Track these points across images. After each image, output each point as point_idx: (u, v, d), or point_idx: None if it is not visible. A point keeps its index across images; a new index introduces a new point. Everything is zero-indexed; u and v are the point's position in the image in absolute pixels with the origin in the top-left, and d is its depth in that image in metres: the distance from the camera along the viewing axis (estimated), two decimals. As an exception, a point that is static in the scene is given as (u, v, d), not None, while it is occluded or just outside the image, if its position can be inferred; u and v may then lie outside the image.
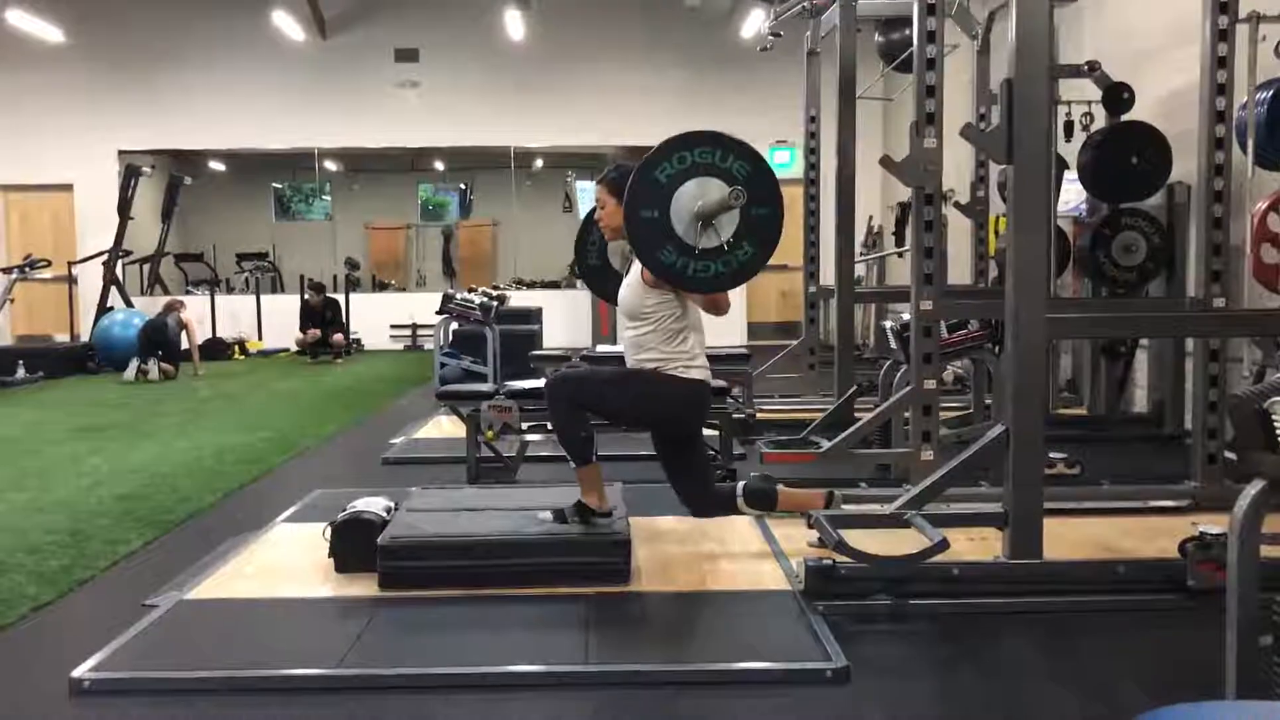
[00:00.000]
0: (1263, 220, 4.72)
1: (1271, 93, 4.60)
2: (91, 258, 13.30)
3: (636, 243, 3.54)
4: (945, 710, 2.66)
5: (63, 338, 13.59)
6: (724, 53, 13.95)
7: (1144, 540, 3.83)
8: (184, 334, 11.20)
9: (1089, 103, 6.67)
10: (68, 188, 14.67)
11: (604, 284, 4.55)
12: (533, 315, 10.40)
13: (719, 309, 3.76)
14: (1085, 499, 4.43)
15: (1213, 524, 3.23)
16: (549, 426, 6.23)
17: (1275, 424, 2.35)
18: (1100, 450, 5.67)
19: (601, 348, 10.23)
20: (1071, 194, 7.12)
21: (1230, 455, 4.30)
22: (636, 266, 3.76)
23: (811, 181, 7.85)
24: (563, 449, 3.73)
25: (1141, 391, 6.89)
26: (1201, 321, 4.42)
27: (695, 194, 3.48)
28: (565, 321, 13.54)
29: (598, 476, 3.70)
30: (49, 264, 12.64)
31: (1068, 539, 3.77)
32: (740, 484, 3.92)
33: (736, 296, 3.76)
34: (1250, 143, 4.73)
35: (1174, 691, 2.47)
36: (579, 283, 14.74)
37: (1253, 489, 2.35)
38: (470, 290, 8.62)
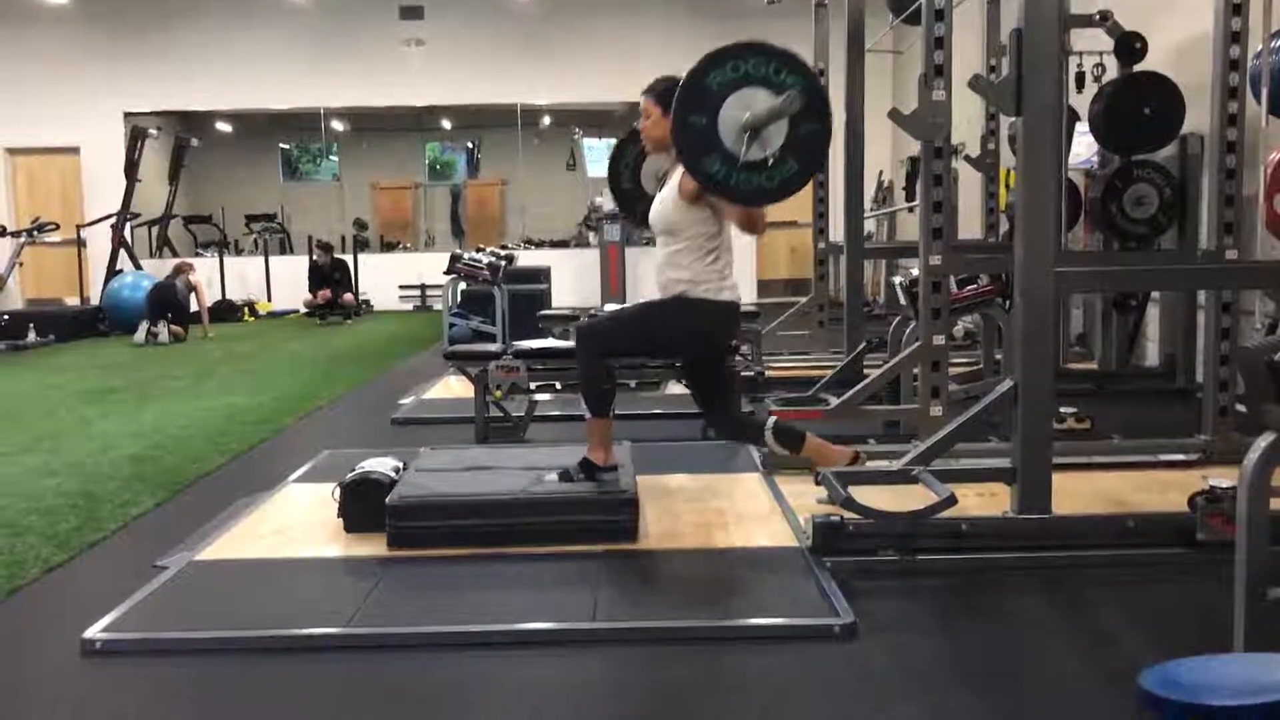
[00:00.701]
0: (1277, 171, 4.66)
1: (1287, 41, 4.53)
2: (99, 220, 13.31)
3: (684, 150, 3.48)
4: (952, 665, 2.66)
5: (72, 301, 13.63)
6: (732, 6, 13.80)
7: (1154, 494, 3.83)
8: (193, 296, 11.23)
9: (1101, 53, 6.58)
10: (74, 150, 14.66)
11: (636, 207, 4.54)
12: (541, 274, 10.39)
13: (754, 227, 3.73)
14: (1095, 453, 4.41)
15: (1223, 477, 3.22)
16: (556, 385, 6.27)
17: (1286, 376, 2.33)
18: (1111, 404, 5.66)
19: (610, 306, 10.22)
20: (1083, 146, 7.04)
21: (1241, 408, 4.28)
22: (672, 181, 3.74)
23: (820, 136, 7.77)
24: (582, 399, 3.76)
25: (1153, 345, 6.86)
26: (1213, 274, 4.38)
27: (744, 104, 3.42)
28: (574, 281, 13.52)
29: (608, 432, 3.73)
30: (57, 227, 12.65)
31: (1077, 494, 3.76)
32: (770, 419, 3.94)
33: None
34: (1265, 92, 4.66)
35: (1182, 644, 2.48)
36: (593, 236, 14.71)
37: (1263, 442, 2.34)
38: (478, 250, 8.60)
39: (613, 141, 16.77)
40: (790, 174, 3.46)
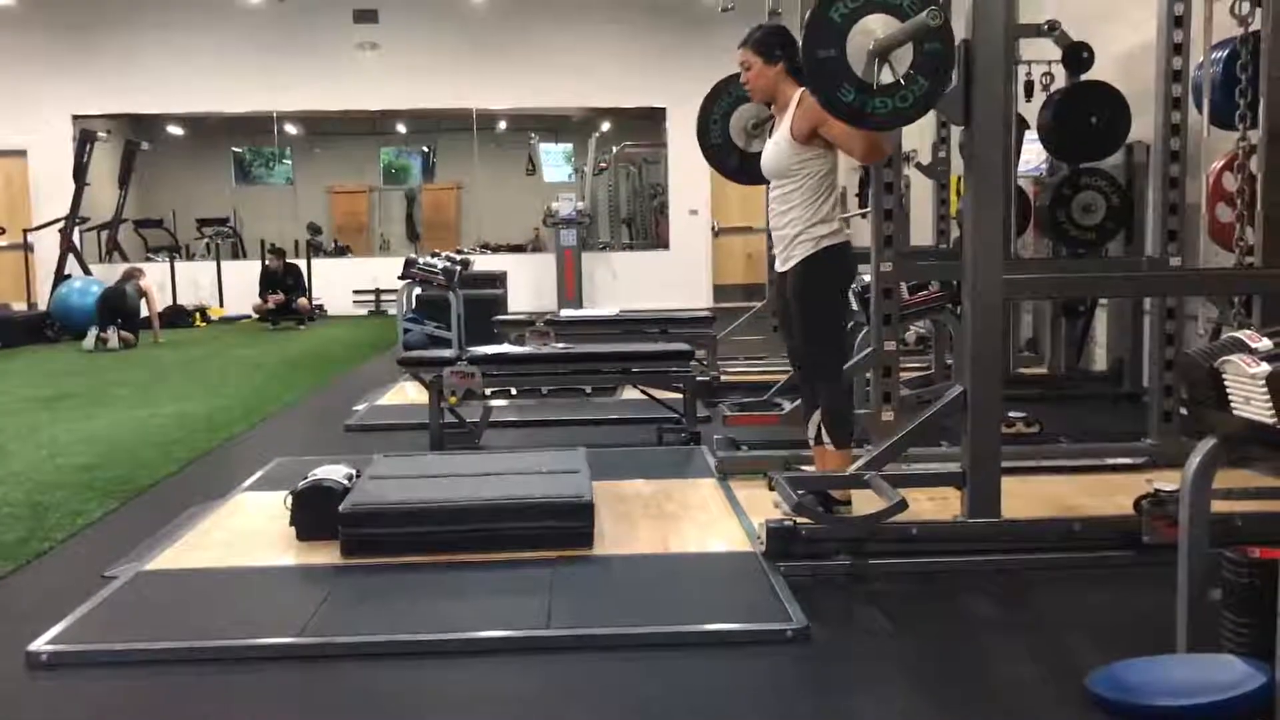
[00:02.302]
0: (1218, 180, 4.76)
1: (1227, 52, 4.62)
2: (47, 225, 13.09)
3: (817, 84, 3.47)
4: (904, 667, 2.69)
5: (20, 306, 13.39)
6: (686, 13, 13.85)
7: (1101, 498, 3.88)
8: (144, 301, 11.08)
9: (1049, 62, 6.67)
10: (21, 153, 14.42)
11: (727, 161, 4.56)
12: (497, 279, 10.36)
13: (881, 152, 3.80)
14: (1044, 457, 4.47)
15: (1168, 481, 3.28)
16: (512, 391, 6.24)
17: (1225, 382, 2.38)
18: (1060, 409, 5.74)
19: (566, 312, 10.21)
20: (1032, 154, 7.14)
21: (1185, 413, 4.36)
22: (784, 125, 3.76)
23: (775, 143, 7.83)
24: (830, 431, 3.78)
25: (1101, 350, 6.96)
26: (1158, 281, 4.46)
27: (870, 30, 3.44)
28: (530, 285, 13.51)
29: (848, 464, 3.73)
30: (3, 231, 12.44)
31: (1026, 497, 3.81)
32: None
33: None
34: (1206, 102, 4.75)
35: (1128, 646, 2.53)
36: (547, 242, 14.70)
37: (1204, 446, 2.39)
38: (434, 254, 8.55)
39: (569, 147, 16.84)
40: (922, 92, 3.47)
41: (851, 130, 3.53)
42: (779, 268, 3.89)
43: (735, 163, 4.31)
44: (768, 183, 3.90)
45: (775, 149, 3.82)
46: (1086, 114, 6.21)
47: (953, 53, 3.46)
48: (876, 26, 3.41)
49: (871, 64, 3.40)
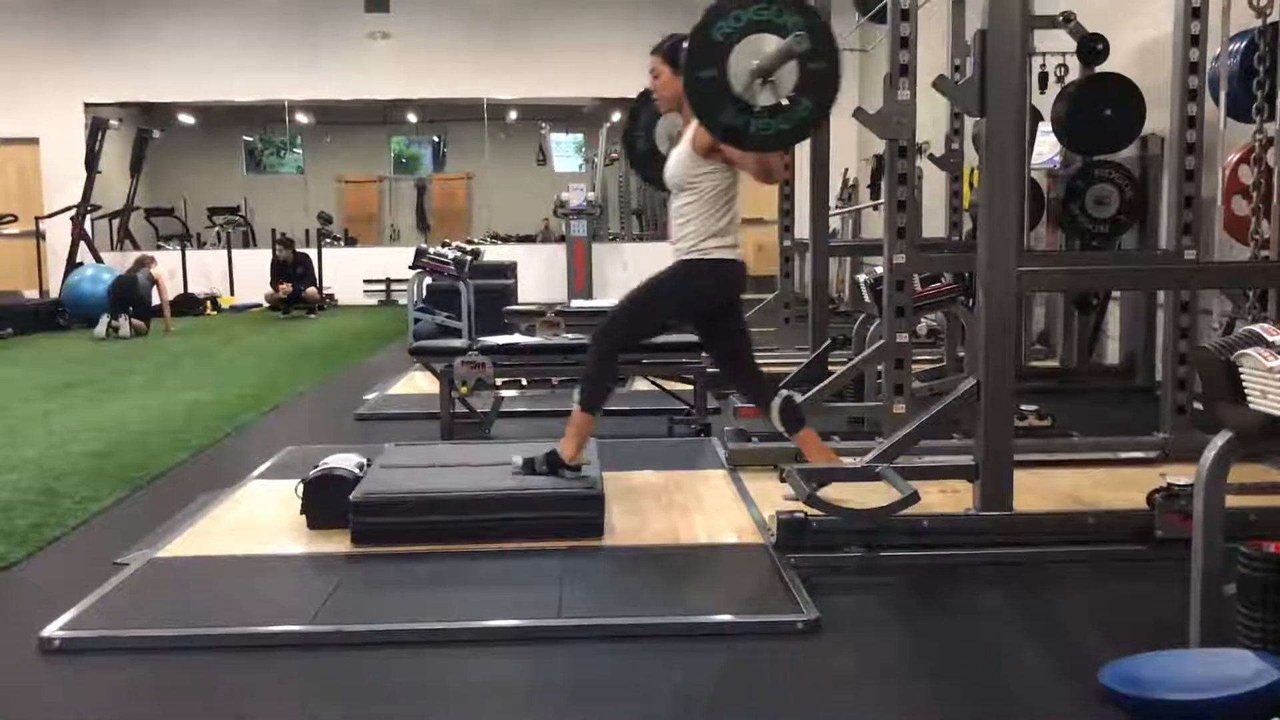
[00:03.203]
0: (1234, 172, 4.73)
1: (1244, 44, 4.59)
2: (59, 213, 13.12)
3: (696, 105, 3.47)
4: (914, 660, 2.68)
5: (31, 294, 13.43)
6: (698, 3, 13.79)
7: (1114, 491, 3.87)
8: (155, 289, 11.10)
9: (1064, 54, 6.64)
10: (33, 141, 14.45)
11: (653, 169, 4.52)
12: (507, 270, 10.35)
13: (772, 174, 3.76)
14: (1056, 451, 4.46)
15: (1181, 475, 3.26)
16: (522, 381, 6.25)
17: (1242, 376, 2.36)
18: (1072, 402, 5.71)
19: (577, 302, 10.21)
20: (1046, 146, 7.11)
21: (1199, 407, 4.34)
22: (686, 137, 3.75)
23: (787, 134, 7.79)
24: (580, 389, 3.78)
25: (1113, 344, 6.93)
26: (1172, 274, 4.44)
27: (752, 51, 3.42)
28: (540, 276, 13.50)
29: (588, 430, 3.74)
30: (15, 219, 12.47)
31: (1038, 490, 3.80)
32: (783, 393, 3.98)
33: (805, 140, 3.70)
34: (1223, 94, 4.72)
35: (1140, 640, 2.51)
36: (558, 232, 14.69)
37: (1219, 440, 2.38)
38: (444, 244, 8.56)
39: (580, 137, 16.82)
40: (806, 113, 3.46)
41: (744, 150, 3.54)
42: None
43: (660, 170, 4.22)
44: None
45: (677, 160, 3.81)
46: (1101, 106, 6.18)
47: (838, 73, 3.45)
48: (760, 46, 3.40)
49: (753, 84, 3.38)
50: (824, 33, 3.46)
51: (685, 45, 3.48)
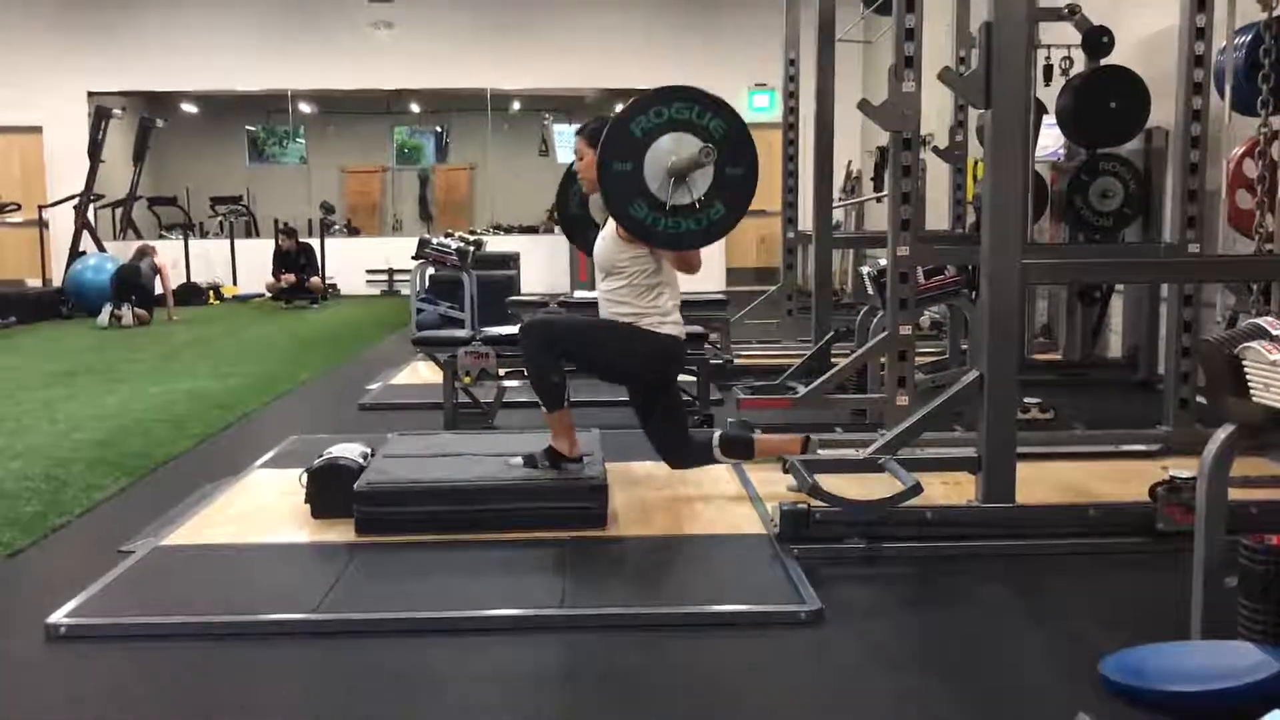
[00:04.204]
0: (1238, 166, 4.73)
1: (1250, 37, 4.58)
2: (62, 201, 13.11)
3: (608, 196, 3.51)
4: (917, 651, 2.69)
5: (34, 282, 13.43)
6: (702, -5, 13.79)
7: (1116, 484, 3.87)
8: (158, 278, 11.10)
9: (1069, 46, 6.63)
10: (36, 130, 14.43)
11: (583, 233, 4.50)
12: (510, 260, 10.36)
13: (690, 267, 3.76)
14: (1058, 443, 4.47)
15: (1183, 468, 3.27)
16: (525, 372, 6.25)
17: (1245, 370, 2.37)
18: (1074, 395, 5.72)
19: (579, 293, 10.19)
20: (1050, 139, 7.10)
21: (1202, 400, 4.34)
22: (611, 222, 3.73)
23: (791, 125, 7.82)
24: (535, 394, 3.73)
25: (1116, 337, 6.93)
26: (1176, 267, 4.44)
27: (670, 149, 3.45)
28: (543, 267, 13.49)
29: (569, 422, 3.70)
30: (18, 207, 12.47)
31: (1041, 483, 3.81)
32: (716, 433, 3.92)
33: (714, 243, 3.72)
34: (1228, 88, 4.72)
35: (1142, 632, 2.52)
36: (556, 228, 14.67)
37: (1222, 433, 2.38)
38: (447, 235, 8.56)
39: (583, 127, 16.82)
40: (717, 217, 3.51)
41: None
42: None
43: (591, 236, 4.13)
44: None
45: (603, 244, 3.79)
46: (1106, 99, 6.18)
47: (754, 179, 3.50)
48: (679, 145, 3.42)
49: (667, 183, 3.40)
50: (743, 139, 3.49)
51: (601, 138, 3.49)
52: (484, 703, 2.40)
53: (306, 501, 3.60)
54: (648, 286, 3.68)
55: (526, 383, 6.16)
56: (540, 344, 3.63)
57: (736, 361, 6.76)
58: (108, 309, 10.42)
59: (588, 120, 3.87)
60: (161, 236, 15.01)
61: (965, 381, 3.51)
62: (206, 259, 14.27)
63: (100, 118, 13.13)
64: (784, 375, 5.59)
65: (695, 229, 3.51)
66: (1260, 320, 2.44)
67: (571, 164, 4.16)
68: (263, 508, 3.78)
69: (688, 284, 3.92)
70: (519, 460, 3.68)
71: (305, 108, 16.19)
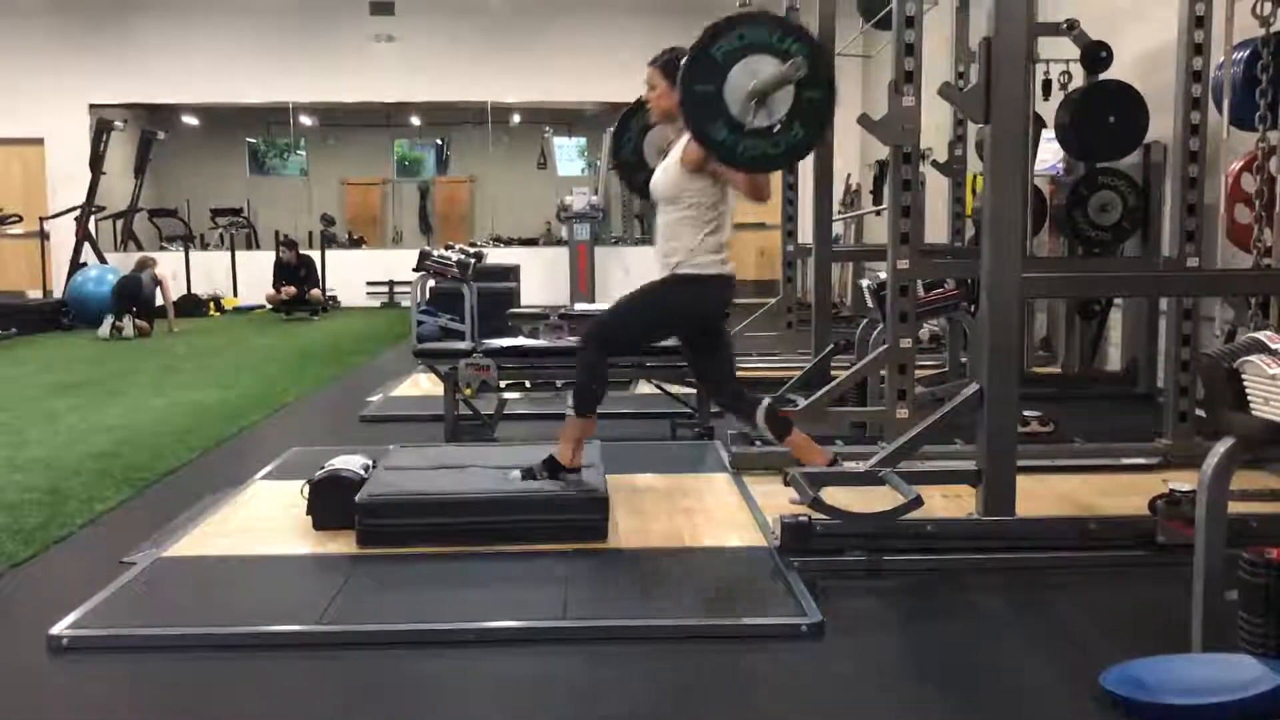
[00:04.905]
0: (1237, 180, 4.74)
1: (1248, 53, 4.60)
2: (64, 213, 13.14)
3: (690, 117, 3.49)
4: (917, 664, 2.70)
5: (35, 294, 13.45)
6: (701, 8, 13.79)
7: (1116, 497, 3.88)
8: (159, 290, 11.12)
9: (1067, 61, 6.66)
10: (38, 141, 14.47)
11: (637, 177, 4.54)
12: (510, 272, 10.38)
13: (761, 194, 3.74)
14: (1058, 456, 4.47)
15: (1183, 481, 3.28)
16: (526, 384, 6.27)
17: (1245, 383, 2.38)
18: (1074, 408, 5.72)
19: (580, 305, 10.22)
20: (1049, 153, 7.12)
21: (1201, 413, 4.35)
22: (676, 150, 3.76)
23: (790, 139, 7.81)
24: (572, 395, 3.79)
25: (1115, 350, 6.94)
26: (1175, 281, 4.45)
27: (750, 71, 3.44)
28: (543, 279, 13.50)
29: (583, 434, 3.74)
30: (20, 219, 12.48)
31: (1041, 496, 3.82)
32: (766, 399, 3.98)
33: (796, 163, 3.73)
34: (1226, 103, 4.74)
35: (1142, 644, 2.53)
36: (561, 234, 14.70)
37: (1222, 447, 2.39)
38: (447, 247, 8.59)
39: (583, 141, 16.84)
40: (796, 140, 3.49)
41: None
42: None
43: (644, 180, 4.18)
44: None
45: (665, 174, 3.81)
46: (1104, 113, 6.20)
47: (833, 102, 3.49)
48: (758, 68, 3.41)
49: (749, 105, 3.40)
50: (824, 62, 3.48)
51: (684, 60, 3.49)
52: (485, 715, 2.41)
53: (308, 513, 3.61)
54: (707, 220, 3.71)
55: (529, 393, 6.22)
56: (602, 351, 3.75)
57: (737, 374, 6.75)
58: (109, 321, 10.44)
59: (662, 50, 3.89)
60: (162, 248, 15.04)
61: (965, 395, 3.52)
62: (207, 271, 14.29)
63: (101, 130, 13.17)
64: (784, 388, 5.60)
65: (775, 152, 3.50)
66: (1259, 334, 2.45)
67: (628, 110, 4.15)
68: (264, 519, 3.78)
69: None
70: (516, 475, 3.69)
71: (306, 120, 16.24)
